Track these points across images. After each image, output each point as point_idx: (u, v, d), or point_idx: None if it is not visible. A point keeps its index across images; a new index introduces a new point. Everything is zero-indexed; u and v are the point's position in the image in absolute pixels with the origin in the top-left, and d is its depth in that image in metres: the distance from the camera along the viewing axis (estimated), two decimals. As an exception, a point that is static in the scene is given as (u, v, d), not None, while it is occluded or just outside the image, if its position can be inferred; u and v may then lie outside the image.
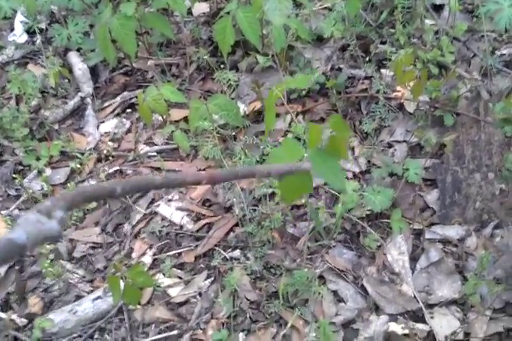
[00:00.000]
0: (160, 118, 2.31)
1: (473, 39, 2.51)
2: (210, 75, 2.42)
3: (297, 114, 2.28)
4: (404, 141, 2.15)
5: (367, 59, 2.37)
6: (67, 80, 2.49)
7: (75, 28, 2.56)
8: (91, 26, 2.65)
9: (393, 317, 1.71)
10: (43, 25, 2.73)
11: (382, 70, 2.35)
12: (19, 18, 2.82)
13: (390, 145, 2.15)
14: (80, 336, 1.72)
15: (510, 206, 1.91)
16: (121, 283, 1.57)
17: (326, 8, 2.67)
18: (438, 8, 2.63)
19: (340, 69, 2.40)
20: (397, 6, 2.28)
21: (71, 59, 2.58)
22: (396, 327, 1.69)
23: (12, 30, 2.86)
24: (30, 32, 2.76)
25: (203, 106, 2.03)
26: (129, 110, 2.40)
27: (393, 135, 2.18)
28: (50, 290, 1.82)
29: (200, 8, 2.79)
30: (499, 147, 1.99)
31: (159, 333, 1.70)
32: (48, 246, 1.88)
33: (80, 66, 2.52)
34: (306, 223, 1.89)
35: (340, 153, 1.36)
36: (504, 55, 2.45)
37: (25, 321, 1.74)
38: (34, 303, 1.78)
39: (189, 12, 2.72)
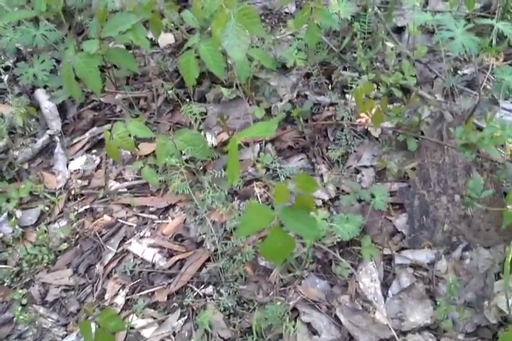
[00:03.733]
0: (129, 152, 2.32)
1: (435, 60, 2.55)
2: (178, 107, 2.44)
3: (266, 143, 2.30)
4: (372, 166, 2.18)
5: (331, 86, 2.40)
6: (35, 119, 2.49)
7: (40, 65, 2.57)
8: (58, 62, 2.66)
9: (367, 347, 1.72)
10: (9, 63, 2.73)
11: (347, 96, 2.38)
12: (-17, 56, 2.82)
13: (357, 171, 2.18)
14: (55, 382, 1.71)
15: (478, 227, 1.93)
16: (94, 328, 1.58)
17: (291, 34, 2.71)
18: (399, 30, 2.67)
19: (306, 96, 2.43)
20: (356, 33, 2.31)
21: (38, 97, 2.59)
22: (370, 357, 1.70)
23: (-22, 68, 2.86)
24: (-3, 70, 2.76)
25: (170, 142, 2.05)
26: (98, 146, 2.41)
27: (360, 160, 2.20)
28: (24, 337, 1.81)
29: (166, 40, 2.82)
30: (463, 169, 2.01)
31: (134, 376, 1.70)
32: (20, 291, 1.87)
33: (47, 104, 2.53)
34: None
35: (308, 207, 1.39)
36: (466, 74, 2.49)
37: (-1, 370, 1.73)
38: (8, 351, 1.77)
39: (156, 44, 2.74)
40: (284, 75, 2.54)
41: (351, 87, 2.24)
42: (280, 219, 1.35)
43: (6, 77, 2.66)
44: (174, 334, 1.78)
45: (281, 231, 1.36)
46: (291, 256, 1.88)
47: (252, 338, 1.70)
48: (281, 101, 2.42)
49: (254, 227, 1.40)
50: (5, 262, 2.00)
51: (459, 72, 2.49)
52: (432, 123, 2.16)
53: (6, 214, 2.14)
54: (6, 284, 1.93)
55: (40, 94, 2.60)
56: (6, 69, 2.68)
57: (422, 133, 2.16)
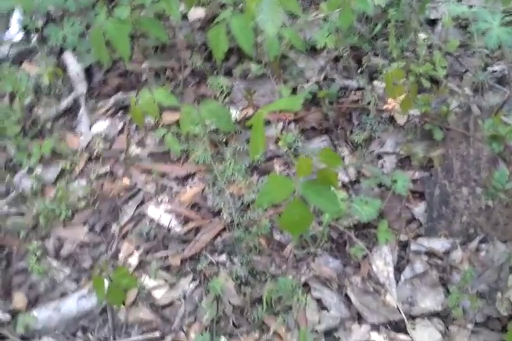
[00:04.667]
0: (152, 121, 2.32)
1: (465, 54, 2.54)
2: (204, 80, 2.43)
3: (289, 122, 2.30)
4: (394, 153, 2.17)
5: (360, 70, 2.40)
6: (61, 80, 2.49)
7: (70, 28, 2.57)
8: (87, 27, 2.65)
9: (375, 327, 1.73)
10: (39, 24, 2.73)
11: (375, 82, 2.38)
12: (16, 16, 2.82)
13: (379, 157, 2.17)
14: (63, 333, 1.72)
15: (497, 221, 1.93)
16: (106, 284, 1.58)
17: (322, 18, 2.70)
18: (432, 23, 2.66)
19: (333, 79, 2.42)
20: (390, 20, 2.30)
21: (66, 59, 2.59)
22: (377, 337, 1.70)
23: (8, 28, 2.86)
24: (26, 30, 2.76)
25: (195, 111, 2.04)
26: (122, 111, 2.41)
27: (383, 146, 2.20)
28: (36, 287, 1.82)
29: (196, 14, 2.81)
30: (487, 162, 2.01)
31: (141, 334, 1.70)
32: (35, 243, 1.88)
33: (74, 66, 2.53)
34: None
35: (331, 182, 1.38)
36: (496, 71, 2.48)
37: (9, 317, 1.74)
38: (19, 299, 1.78)
39: (185, 17, 2.74)
40: (312, 57, 2.53)
41: (380, 73, 2.24)
42: (301, 192, 1.35)
43: (35, 38, 2.67)
44: (185, 297, 1.79)
45: (300, 204, 1.36)
46: (306, 233, 1.88)
47: (262, 308, 1.70)
48: (307, 82, 2.42)
49: (274, 198, 1.39)
50: (22, 215, 2.01)
51: (489, 68, 2.48)
52: (459, 115, 2.16)
53: (26, 168, 2.14)
54: (21, 236, 1.94)
55: (68, 57, 2.60)
56: (36, 30, 2.69)
57: (448, 125, 2.15)
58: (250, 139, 1.45)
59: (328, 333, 1.71)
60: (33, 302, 1.78)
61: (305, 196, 1.36)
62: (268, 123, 2.27)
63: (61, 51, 2.65)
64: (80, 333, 1.72)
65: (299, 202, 1.38)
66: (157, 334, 1.70)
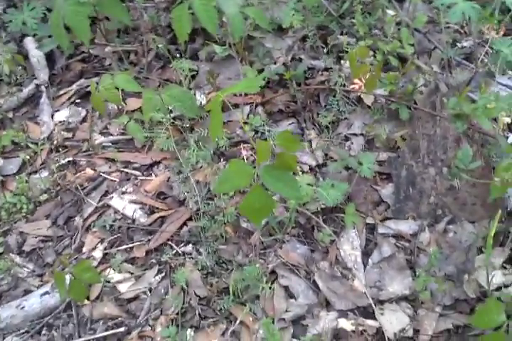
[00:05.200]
0: (116, 107, 2.27)
1: (434, 30, 2.51)
2: (169, 64, 2.38)
3: (256, 105, 2.26)
4: (362, 134, 2.15)
5: (327, 50, 2.35)
6: (22, 67, 2.43)
7: (30, 12, 2.49)
8: (49, 10, 2.58)
9: (343, 313, 1.72)
10: (-1, 10, 2.65)
11: (343, 61, 2.33)
12: (-26, 1, 2.73)
13: (347, 139, 2.15)
14: (28, 332, 1.70)
15: (464, 201, 1.92)
16: (68, 279, 1.56)
17: (289, -4, 2.64)
18: (400, -1, 2.61)
19: (300, 59, 2.38)
20: (357, -3, 2.26)
21: (27, 45, 2.52)
22: (345, 324, 1.70)
23: (-33, 13, 2.77)
24: (-15, 16, 2.68)
25: (157, 97, 2.00)
26: (85, 98, 2.36)
27: (351, 128, 2.17)
28: (-1, 285, 1.80)
29: (161, -7, 2.74)
30: (454, 142, 1.99)
31: (107, 330, 1.68)
32: (-4, 240, 1.85)
33: (35, 53, 2.46)
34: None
35: (290, 167, 1.35)
36: (465, 47, 2.45)
37: (-29, 316, 1.71)
38: (-19, 298, 1.75)
39: (150, -4, 2.67)
40: (279, 37, 2.48)
41: (347, 52, 2.19)
42: (261, 178, 1.32)
43: (-6, 24, 2.59)
44: (150, 290, 1.77)
45: (261, 191, 1.33)
46: (273, 220, 1.86)
47: (229, 298, 1.69)
48: (275, 63, 2.37)
49: (233, 184, 1.36)
50: (-17, 210, 1.97)
51: (458, 44, 2.45)
52: (426, 93, 2.13)
53: (-14, 161, 2.10)
54: (-17, 232, 1.91)
55: (29, 43, 2.53)
56: (-6, 15, 2.61)
57: (416, 104, 2.12)
58: (209, 124, 1.42)
59: (296, 321, 1.70)
60: (-4, 300, 1.76)
61: (265, 182, 1.33)
62: (235, 106, 2.23)
63: (22, 37, 2.58)
64: (44, 330, 1.70)
65: (259, 189, 1.36)
66: (122, 329, 1.68)
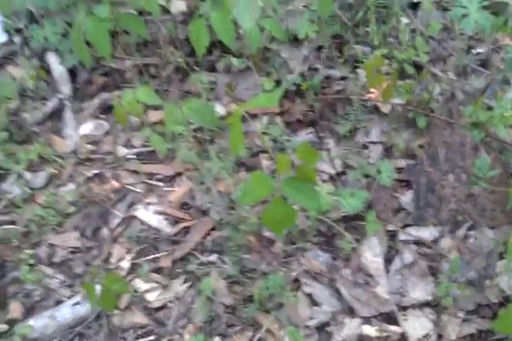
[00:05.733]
0: (138, 119, 2.32)
1: (449, 37, 2.53)
2: (188, 76, 2.43)
3: (274, 115, 2.30)
4: (380, 142, 2.18)
5: (343, 59, 2.39)
6: (45, 82, 2.49)
7: (52, 28, 2.55)
8: (70, 25, 2.63)
9: (367, 320, 1.75)
10: (21, 25, 2.71)
11: (359, 70, 2.37)
12: (-2, 17, 2.80)
13: (365, 147, 2.18)
14: (60, 341, 1.75)
15: (484, 207, 1.94)
16: (98, 289, 1.60)
17: (304, 6, 2.68)
18: (415, 6, 2.64)
19: (316, 69, 2.42)
20: (370, 7, 2.29)
21: (49, 60, 2.58)
22: (369, 330, 1.73)
23: (-9, 30, 2.84)
24: (10, 32, 2.74)
25: (177, 110, 2.04)
26: (108, 112, 2.41)
27: (368, 136, 2.21)
28: (31, 296, 1.84)
29: (178, 7, 2.78)
30: (472, 149, 2.01)
31: (137, 338, 1.72)
32: (27, 251, 1.90)
33: (57, 67, 2.52)
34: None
35: (310, 179, 1.39)
36: (480, 53, 2.48)
37: (6, 327, 1.76)
38: (15, 309, 1.80)
39: (167, 10, 2.72)
40: (295, 47, 2.52)
41: (362, 62, 2.23)
42: (281, 190, 1.36)
43: (17, 39, 2.65)
44: (177, 298, 1.81)
45: (281, 202, 1.37)
46: (294, 228, 1.90)
47: (254, 306, 1.73)
48: (291, 73, 2.41)
49: (255, 196, 1.40)
50: (13, 223, 2.02)
51: (472, 50, 2.48)
52: (442, 101, 2.16)
53: (15, 175, 2.15)
54: (14, 244, 1.96)
55: (51, 58, 2.59)
56: (18, 31, 2.67)
57: (432, 111, 2.15)
58: (229, 138, 1.46)
59: (321, 328, 1.74)
60: (29, 311, 1.80)
61: (285, 194, 1.38)
62: (254, 117, 2.27)
63: (44, 52, 2.64)
64: (76, 340, 1.75)
65: (280, 200, 1.40)
66: (152, 337, 1.72)
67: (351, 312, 1.77)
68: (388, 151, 2.15)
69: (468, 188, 1.94)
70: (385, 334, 1.72)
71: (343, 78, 2.36)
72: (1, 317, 1.78)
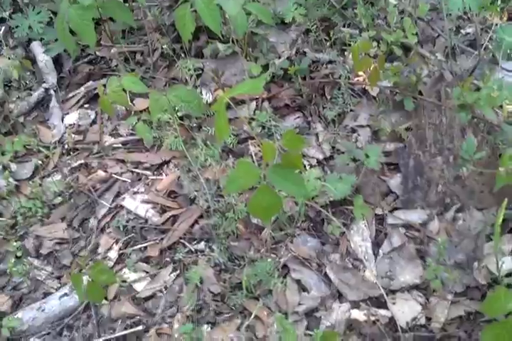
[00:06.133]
0: (124, 108, 2.30)
1: (437, 18, 2.50)
2: (174, 62, 2.40)
3: (262, 101, 2.28)
4: (368, 126, 2.17)
5: (330, 43, 2.36)
6: (30, 72, 2.47)
7: (36, 17, 2.54)
8: (55, 14, 2.61)
9: (356, 304, 1.75)
10: (5, 15, 2.68)
11: (347, 53, 2.34)
12: (-20, 7, 2.77)
13: (353, 131, 2.16)
14: (49, 333, 1.75)
15: (472, 189, 1.93)
16: (86, 280, 1.60)
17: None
18: (402, -13, 2.60)
19: (305, 53, 2.40)
20: (357, -12, 2.26)
21: (34, 49, 2.56)
22: (358, 314, 1.72)
23: (-25, 20, 2.81)
24: (-6, 22, 2.72)
25: (163, 98, 2.03)
26: (93, 101, 2.39)
27: (357, 120, 2.19)
28: (19, 288, 1.84)
29: (164, -8, 2.76)
30: (460, 130, 2.00)
31: (126, 328, 1.72)
32: (14, 243, 1.89)
33: (42, 57, 2.50)
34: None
35: (295, 166, 1.38)
36: (469, 33, 2.45)
37: (-6, 320, 1.77)
38: (3, 302, 1.80)
39: (154, -5, 2.69)
40: (283, 31, 2.50)
41: (350, 45, 2.21)
42: (268, 178, 1.35)
43: (1, 29, 2.63)
44: (166, 288, 1.81)
45: (268, 190, 1.36)
46: (283, 214, 1.89)
47: (242, 293, 1.73)
48: (279, 57, 2.38)
49: (241, 185, 1.39)
50: (0, 215, 2.02)
51: (462, 30, 2.45)
52: (430, 82, 2.14)
53: (0, 167, 2.14)
54: (0, 236, 1.95)
55: (36, 47, 2.56)
56: (2, 21, 2.66)
57: (421, 93, 2.13)
58: (215, 125, 1.45)
59: (309, 314, 1.74)
60: (17, 304, 1.81)
61: (272, 181, 1.37)
62: (241, 102, 2.25)
63: (29, 42, 2.62)
64: (65, 331, 1.75)
65: (266, 188, 1.39)
66: (141, 327, 1.72)
67: (340, 297, 1.77)
68: (376, 135, 2.13)
69: (456, 170, 1.92)
70: (373, 318, 1.71)
71: (331, 62, 2.33)
72: (-11, 309, 1.79)
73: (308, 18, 2.34)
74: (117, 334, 1.71)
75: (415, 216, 1.93)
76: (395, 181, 2.01)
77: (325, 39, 2.40)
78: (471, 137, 1.85)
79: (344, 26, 2.45)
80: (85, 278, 1.61)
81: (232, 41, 2.34)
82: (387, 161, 2.04)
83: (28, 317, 1.75)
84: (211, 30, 2.24)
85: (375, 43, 2.29)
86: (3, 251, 1.91)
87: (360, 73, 2.18)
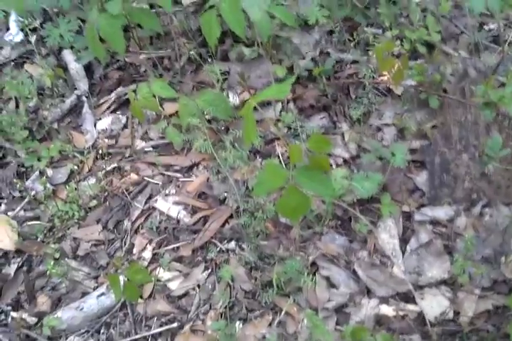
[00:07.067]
0: (154, 112, 2.36)
1: (460, 15, 2.51)
2: (201, 67, 2.46)
3: (288, 102, 2.32)
4: (393, 124, 2.19)
5: (354, 43, 2.39)
6: (62, 79, 2.55)
7: (66, 26, 2.61)
8: (84, 22, 2.68)
9: (384, 300, 1.78)
10: (36, 24, 2.76)
11: (370, 53, 2.37)
12: (13, 17, 2.85)
13: (379, 129, 2.19)
14: (88, 331, 1.81)
15: (498, 184, 1.94)
16: (122, 280, 1.66)
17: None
18: (425, -15, 2.62)
19: (328, 53, 2.43)
20: (380, -13, 2.28)
21: (65, 57, 2.63)
22: (387, 310, 1.76)
23: (8, 29, 2.90)
24: (25, 31, 2.80)
25: (192, 102, 2.08)
26: (124, 106, 2.46)
27: (382, 118, 2.21)
28: (58, 289, 1.91)
29: (189, -2, 2.81)
30: (485, 128, 2.02)
31: (161, 326, 1.78)
32: (52, 246, 1.97)
33: (73, 65, 2.57)
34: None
35: (323, 167, 1.42)
36: (492, 30, 2.46)
37: (35, 319, 1.84)
38: (43, 302, 1.87)
39: (179, 2, 2.74)
40: (306, 32, 2.53)
41: (373, 44, 2.23)
42: (295, 179, 1.39)
43: (33, 38, 2.71)
44: (199, 286, 1.86)
45: (295, 190, 1.40)
46: (310, 213, 1.93)
47: (273, 291, 1.77)
48: (303, 58, 2.42)
49: (269, 186, 1.43)
50: (38, 218, 2.09)
51: (485, 27, 2.46)
52: (455, 80, 2.15)
53: (37, 172, 2.22)
54: (39, 239, 2.03)
55: (67, 55, 2.64)
56: (34, 30, 2.72)
57: (445, 91, 2.15)
58: (243, 128, 1.49)
59: (339, 310, 1.77)
60: (56, 304, 1.87)
61: (299, 182, 1.41)
62: (267, 104, 2.30)
63: (60, 50, 2.69)
64: (103, 329, 1.81)
65: (294, 189, 1.43)
66: (175, 324, 1.78)
67: (368, 293, 1.81)
68: (402, 133, 2.16)
69: (482, 168, 1.94)
70: (402, 313, 1.74)
71: (354, 61, 2.36)
72: (30, 310, 1.86)
73: (331, 18, 2.37)
74: (153, 332, 1.77)
75: (442, 212, 1.95)
76: (421, 178, 2.04)
77: (348, 39, 2.42)
78: (496, 134, 1.87)
79: (367, 26, 2.47)
80: (121, 278, 1.66)
81: (257, 44, 2.39)
82: (413, 159, 2.07)
83: (67, 316, 1.82)
84: (236, 34, 2.29)
85: (398, 42, 2.31)
86: (42, 253, 1.98)
87: (385, 72, 2.21)
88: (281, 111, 2.27)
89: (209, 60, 2.42)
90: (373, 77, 2.23)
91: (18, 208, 2.13)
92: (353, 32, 2.44)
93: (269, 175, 1.44)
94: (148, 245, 1.97)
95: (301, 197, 1.45)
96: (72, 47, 2.67)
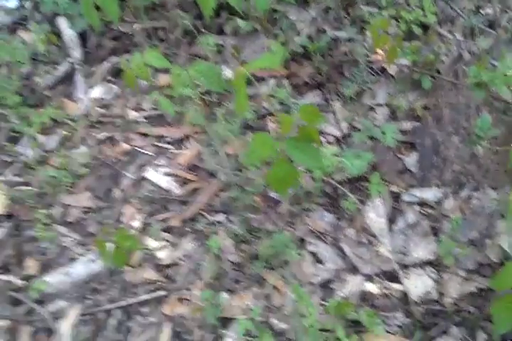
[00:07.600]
0: (147, 83, 2.35)
1: (458, -3, 2.52)
2: (196, 39, 2.45)
3: (281, 78, 2.32)
4: (386, 104, 2.21)
5: (350, 20, 2.39)
6: (56, 46, 2.52)
7: (61, -8, 2.57)
8: (79, -11, 2.65)
9: (369, 278, 1.81)
10: (32, -10, 2.72)
11: (366, 31, 2.37)
12: (7, -18, 2.81)
13: (371, 109, 2.21)
14: (75, 296, 1.82)
15: (487, 168, 1.97)
16: (111, 246, 1.66)
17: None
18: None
19: (324, 31, 2.42)
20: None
21: (59, 24, 2.60)
22: (371, 287, 1.79)
23: (2, -6, 2.86)
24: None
25: (184, 73, 2.07)
26: (117, 75, 2.44)
27: (375, 98, 2.23)
28: (46, 253, 1.92)
29: (187, -32, 2.78)
30: (476, 109, 2.03)
31: (148, 293, 1.80)
32: (42, 211, 1.97)
33: (67, 32, 2.55)
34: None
35: (313, 139, 1.42)
36: (489, 14, 2.46)
37: (22, 283, 1.84)
38: (31, 266, 1.88)
39: (175, -28, 2.71)
40: (303, 9, 2.52)
41: (369, 23, 2.24)
42: (285, 150, 1.40)
43: (28, 4, 2.67)
44: (187, 256, 1.87)
45: (285, 162, 1.41)
46: (300, 190, 1.95)
47: (260, 263, 1.79)
48: (298, 35, 2.42)
49: (259, 156, 1.44)
50: (28, 184, 2.09)
51: (481, 11, 2.46)
52: (448, 62, 2.17)
53: (28, 138, 2.20)
54: (29, 205, 2.02)
55: (62, 22, 2.61)
56: (28, -4, 2.69)
57: (439, 72, 2.16)
58: (234, 99, 1.49)
59: (324, 285, 1.80)
60: (44, 268, 1.88)
61: (288, 154, 1.41)
62: (262, 80, 2.30)
63: (54, 17, 2.66)
64: (90, 295, 1.82)
65: (283, 160, 1.44)
66: (162, 292, 1.79)
67: (354, 270, 1.83)
68: (394, 113, 2.17)
69: (471, 149, 1.96)
70: (386, 291, 1.78)
71: (350, 39, 2.36)
72: (18, 272, 1.86)
73: (328, -5, 2.37)
74: (140, 299, 1.79)
75: (430, 194, 1.98)
76: (411, 159, 2.06)
77: (344, 17, 2.42)
78: (486, 115, 1.89)
79: (364, 4, 2.47)
80: (110, 245, 1.67)
81: (253, 18, 2.37)
82: (404, 140, 2.09)
83: (55, 280, 1.83)
84: (232, 6, 2.27)
85: (394, 22, 2.31)
86: (31, 218, 1.98)
87: (379, 51, 2.21)
88: (275, 88, 2.27)
89: (204, 32, 2.40)
90: (367, 56, 2.24)
91: (9, 173, 2.12)
92: (349, 10, 2.44)
93: (258, 145, 1.44)
94: (137, 214, 1.98)
95: (290, 169, 1.45)
96: (66, 15, 2.64)
